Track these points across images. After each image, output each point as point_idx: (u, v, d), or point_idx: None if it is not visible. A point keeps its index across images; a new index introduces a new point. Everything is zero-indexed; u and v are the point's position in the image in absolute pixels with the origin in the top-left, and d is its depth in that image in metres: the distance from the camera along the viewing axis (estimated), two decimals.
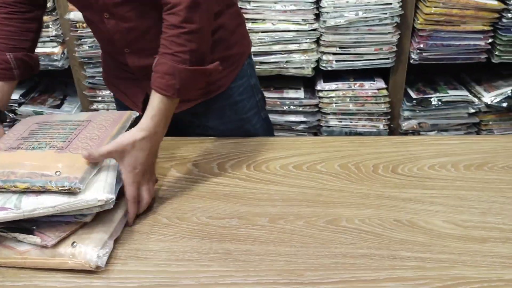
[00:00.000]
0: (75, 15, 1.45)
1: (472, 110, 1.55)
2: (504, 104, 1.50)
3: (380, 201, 0.78)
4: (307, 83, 1.64)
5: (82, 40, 1.52)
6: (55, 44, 1.55)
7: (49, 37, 1.53)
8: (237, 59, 0.98)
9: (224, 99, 0.98)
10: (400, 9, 1.41)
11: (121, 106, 1.08)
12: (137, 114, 0.88)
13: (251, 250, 0.69)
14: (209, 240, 0.72)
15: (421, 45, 1.45)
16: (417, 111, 1.56)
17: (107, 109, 1.64)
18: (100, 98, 1.64)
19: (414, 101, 1.55)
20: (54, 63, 1.56)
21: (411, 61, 1.49)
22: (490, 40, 1.45)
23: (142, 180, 0.76)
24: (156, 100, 0.77)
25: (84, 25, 1.48)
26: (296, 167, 0.89)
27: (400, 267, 0.65)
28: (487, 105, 1.53)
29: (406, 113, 1.57)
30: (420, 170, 0.86)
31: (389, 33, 1.44)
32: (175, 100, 0.79)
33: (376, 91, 1.54)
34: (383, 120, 1.58)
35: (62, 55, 1.56)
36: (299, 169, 0.88)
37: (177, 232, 0.74)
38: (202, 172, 0.89)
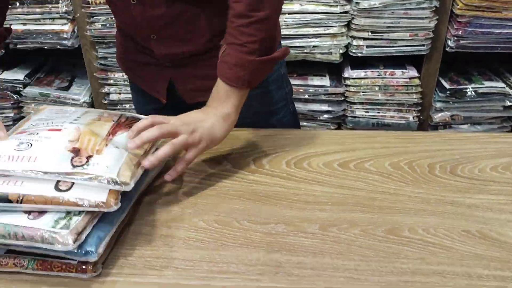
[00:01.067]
0: None
1: (509, 103, 1.46)
2: None
3: (443, 208, 0.70)
4: (331, 70, 1.55)
5: (95, 17, 1.42)
6: (64, 21, 1.45)
7: (58, 13, 1.42)
8: None
9: (253, 88, 0.89)
10: None
11: (138, 92, 0.99)
12: None
13: (304, 263, 0.61)
14: (255, 249, 0.63)
15: (459, 32, 1.36)
16: (450, 102, 1.47)
17: (119, 93, 1.54)
18: (112, 81, 1.54)
19: (448, 92, 1.46)
20: (63, 41, 1.46)
21: (447, 49, 1.40)
22: None
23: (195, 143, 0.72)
24: (223, 89, 0.74)
25: (98, 1, 1.38)
26: (341, 165, 0.80)
27: (478, 287, 0.57)
28: None
29: (438, 105, 1.48)
30: (482, 172, 0.77)
31: (427, 17, 1.34)
32: (244, 90, 0.76)
33: (408, 80, 1.44)
34: (413, 111, 1.49)
35: (72, 34, 1.45)
36: (346, 168, 0.79)
37: (217, 239, 0.65)
38: (238, 169, 0.80)
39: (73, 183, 0.60)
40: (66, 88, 1.59)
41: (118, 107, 1.59)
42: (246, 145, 0.86)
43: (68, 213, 0.59)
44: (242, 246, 0.64)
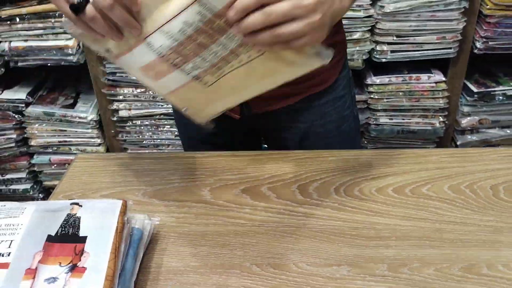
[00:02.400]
0: None
1: None
2: None
3: None
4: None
5: None
6: (68, 36, 1.36)
7: (62, 28, 1.34)
8: (342, 46, 0.84)
9: (328, 94, 0.84)
10: None
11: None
12: None
13: None
14: None
15: (488, 33, 1.29)
16: (478, 106, 1.41)
17: (129, 109, 1.46)
18: (121, 97, 1.46)
19: (476, 96, 1.39)
20: (68, 57, 1.37)
21: (475, 51, 1.34)
22: None
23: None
24: None
25: None
26: (396, 191, 0.73)
27: None
28: None
29: (465, 109, 1.42)
30: None
31: (455, 19, 1.27)
32: None
33: (434, 84, 1.38)
34: (440, 117, 1.43)
35: (77, 49, 1.37)
36: (402, 194, 0.72)
37: (276, 287, 0.58)
38: (282, 199, 0.72)
39: None
40: (72, 105, 1.51)
41: (128, 123, 1.51)
42: (287, 170, 0.78)
43: None
44: None
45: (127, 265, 0.56)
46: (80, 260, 0.51)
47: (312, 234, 0.66)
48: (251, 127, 0.95)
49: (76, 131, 1.52)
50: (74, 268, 0.50)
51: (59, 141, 1.54)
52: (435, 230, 0.65)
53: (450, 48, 1.31)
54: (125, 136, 1.52)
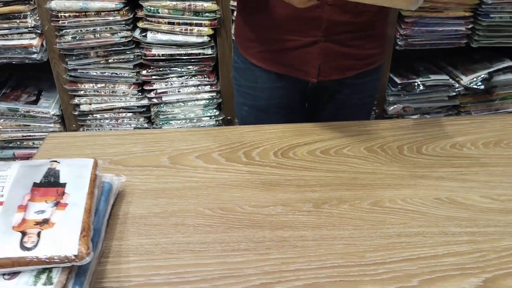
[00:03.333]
0: (57, 4, 1.36)
1: (453, 93, 1.63)
2: (482, 86, 1.59)
3: (415, 181, 0.81)
4: None
5: (64, 30, 1.44)
6: (33, 35, 1.46)
7: (26, 28, 1.43)
8: (386, 38, 1.04)
9: (372, 73, 1.04)
10: None
11: (271, 79, 1.02)
12: None
13: (305, 236, 0.69)
14: (261, 229, 0.71)
15: (407, 32, 1.50)
16: (402, 95, 1.62)
17: (90, 104, 1.56)
18: (82, 92, 1.56)
19: (399, 86, 1.60)
20: (32, 56, 1.47)
21: (397, 47, 1.54)
22: (470, 26, 1.52)
23: None
24: None
25: (67, 14, 1.40)
26: (323, 152, 0.89)
27: (454, 242, 0.68)
28: (465, 88, 1.62)
29: (391, 98, 1.63)
30: (443, 149, 0.89)
31: None
32: None
33: None
34: None
35: (41, 47, 1.46)
36: (327, 154, 0.89)
37: (224, 223, 0.72)
38: (230, 162, 0.87)
39: (38, 239, 0.57)
40: (35, 102, 1.59)
41: (89, 117, 1.61)
42: (234, 141, 0.93)
43: None
44: (248, 227, 0.71)
45: (100, 207, 0.68)
46: (62, 198, 0.63)
47: (254, 185, 0.80)
48: (309, 96, 1.08)
49: (39, 126, 1.61)
50: (58, 204, 0.62)
51: (23, 136, 1.61)
52: (351, 178, 0.82)
53: None
54: (87, 129, 1.62)
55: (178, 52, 1.47)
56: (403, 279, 0.62)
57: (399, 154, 0.88)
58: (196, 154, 0.89)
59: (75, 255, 0.55)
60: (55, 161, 0.71)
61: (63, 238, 0.57)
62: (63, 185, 0.66)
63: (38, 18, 1.43)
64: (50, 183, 0.66)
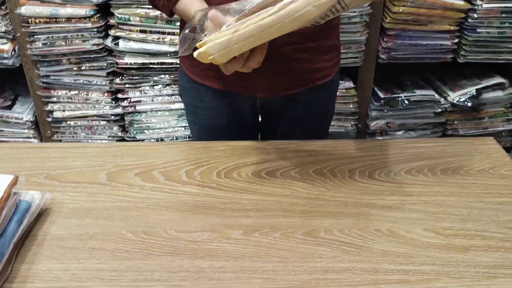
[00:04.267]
0: (27, 9, 1.34)
1: (439, 110, 1.56)
2: (469, 104, 1.51)
3: (359, 210, 0.75)
4: None
5: (35, 36, 1.42)
6: (4, 40, 1.44)
7: None
8: (339, 51, 0.99)
9: (325, 89, 0.99)
10: (369, 7, 1.39)
11: (217, 97, 0.98)
12: None
13: (225, 267, 0.65)
14: (179, 257, 0.66)
15: (390, 44, 1.44)
16: (385, 110, 1.56)
17: (63, 110, 1.54)
18: (55, 99, 1.54)
19: (382, 101, 1.54)
20: (4, 61, 1.45)
21: (379, 61, 1.48)
22: (456, 40, 1.46)
23: None
24: None
25: (37, 20, 1.38)
26: (269, 174, 0.84)
27: (383, 281, 0.62)
28: (452, 104, 1.55)
29: (374, 113, 1.56)
30: (397, 175, 0.84)
31: (358, 31, 1.42)
32: None
33: (344, 90, 1.52)
34: (351, 120, 1.57)
35: (12, 53, 1.45)
36: (272, 176, 0.84)
37: (144, 249, 0.68)
38: (169, 181, 0.83)
39: None
40: (10, 107, 1.58)
41: (63, 124, 1.58)
42: (180, 157, 0.89)
43: None
44: (166, 254, 0.67)
45: (9, 229, 0.65)
46: None
47: (186, 208, 0.76)
48: (258, 113, 1.05)
49: (13, 132, 1.59)
50: None
51: None
52: (291, 204, 0.77)
53: (357, 57, 1.46)
54: (60, 136, 1.60)
55: (151, 61, 1.44)
56: None
57: (349, 178, 0.83)
58: (136, 171, 0.85)
59: None
60: None
61: None
62: None
63: (10, 23, 1.41)
64: None
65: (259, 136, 1.10)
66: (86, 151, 0.91)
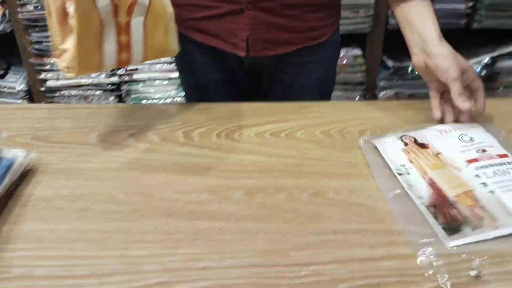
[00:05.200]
0: None
1: None
2: (483, 72, 1.44)
3: (369, 171, 0.69)
4: None
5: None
6: None
7: None
8: (337, 11, 0.93)
9: (317, 52, 0.91)
10: None
11: (202, 52, 0.93)
12: None
13: (225, 228, 0.59)
14: (175, 218, 0.61)
15: None
16: (394, 80, 1.49)
17: (57, 79, 1.48)
18: (48, 67, 1.48)
19: (391, 70, 1.47)
20: None
21: (389, 27, 1.41)
22: (470, 4, 1.38)
23: None
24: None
25: None
26: (273, 135, 0.78)
27: (398, 243, 0.56)
28: None
29: (382, 83, 1.50)
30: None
31: None
32: None
33: (352, 58, 1.45)
34: (359, 90, 1.50)
35: (3, 17, 1.38)
36: (277, 137, 0.78)
37: (136, 210, 0.62)
38: (166, 142, 0.77)
39: None
40: (2, 76, 1.52)
41: (57, 94, 1.52)
42: (176, 119, 0.83)
43: None
44: (162, 216, 0.61)
45: None
46: None
47: (183, 169, 0.70)
48: (248, 73, 0.98)
49: (6, 101, 1.53)
50: None
51: None
52: (297, 165, 0.71)
53: (365, 23, 1.38)
54: None
55: None
56: (326, 284, 0.51)
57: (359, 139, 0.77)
58: (130, 132, 0.79)
59: None
60: None
61: None
62: None
63: None
64: None
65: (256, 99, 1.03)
66: (76, 112, 0.85)
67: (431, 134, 0.72)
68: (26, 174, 0.68)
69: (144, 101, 1.53)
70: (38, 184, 0.67)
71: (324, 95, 1.00)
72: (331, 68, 0.98)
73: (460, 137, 0.71)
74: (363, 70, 1.46)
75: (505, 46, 1.49)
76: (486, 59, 1.45)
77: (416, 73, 1.44)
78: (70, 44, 0.66)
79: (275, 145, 0.76)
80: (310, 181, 0.67)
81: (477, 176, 0.62)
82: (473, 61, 1.47)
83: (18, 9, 1.36)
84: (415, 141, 0.71)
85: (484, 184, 0.61)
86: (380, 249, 0.56)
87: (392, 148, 0.70)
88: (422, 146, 0.70)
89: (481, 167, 0.64)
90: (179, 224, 0.60)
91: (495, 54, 1.46)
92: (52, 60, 1.46)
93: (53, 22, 0.66)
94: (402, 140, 0.71)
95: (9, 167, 0.64)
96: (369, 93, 1.52)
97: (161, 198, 0.64)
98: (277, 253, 0.55)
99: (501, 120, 0.81)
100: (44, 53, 1.45)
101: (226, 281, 0.52)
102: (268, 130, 0.79)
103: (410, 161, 0.67)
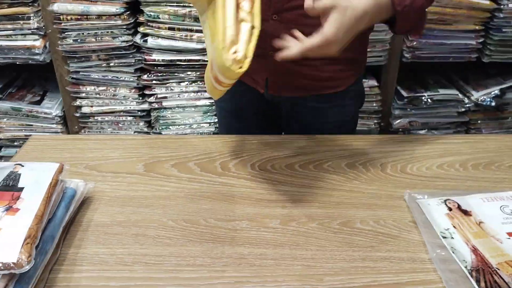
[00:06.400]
0: (59, 6, 1.38)
1: (462, 109, 1.56)
2: (493, 103, 1.52)
3: (393, 202, 0.77)
4: None
5: (66, 33, 1.45)
6: (36, 37, 1.48)
7: (30, 29, 1.46)
8: (359, 64, 0.98)
9: (336, 99, 0.97)
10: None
11: (237, 86, 0.98)
12: None
13: (265, 254, 0.66)
14: (221, 244, 0.68)
15: (414, 43, 1.45)
16: (408, 109, 1.57)
17: (91, 106, 1.58)
18: (84, 94, 1.57)
19: (406, 100, 1.55)
20: (35, 57, 1.49)
21: (404, 60, 1.49)
22: (481, 40, 1.46)
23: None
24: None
25: (69, 17, 1.42)
26: (302, 167, 0.86)
27: (421, 270, 0.64)
28: (476, 104, 1.55)
29: (397, 112, 1.57)
30: (429, 169, 0.85)
31: (383, 30, 1.43)
32: (389, 11, 0.75)
33: (368, 89, 1.53)
34: (374, 119, 1.58)
35: (44, 49, 1.48)
36: (306, 169, 0.85)
37: (185, 236, 0.70)
38: (206, 172, 0.85)
39: None
40: (38, 102, 1.62)
41: (90, 119, 1.62)
42: (213, 150, 0.91)
43: None
44: (208, 241, 0.69)
45: (58, 213, 0.67)
46: (16, 203, 0.63)
47: (223, 197, 0.78)
48: (268, 110, 1.05)
49: (42, 126, 1.63)
50: (9, 209, 0.62)
51: (26, 135, 1.64)
52: (326, 195, 0.78)
53: (381, 56, 1.47)
54: (88, 131, 1.64)
55: (178, 58, 1.47)
56: None
57: (381, 172, 0.84)
58: (172, 162, 0.88)
59: (14, 263, 0.54)
60: (19, 165, 0.71)
61: (6, 244, 0.56)
62: (20, 189, 0.66)
63: (41, 19, 1.45)
64: (7, 187, 0.66)
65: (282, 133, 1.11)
66: (123, 143, 0.94)
67: (474, 202, 0.74)
68: (84, 202, 0.77)
69: (171, 127, 1.62)
70: (95, 211, 0.75)
71: None
72: (350, 115, 1.03)
73: (502, 208, 0.73)
74: (379, 100, 1.54)
75: None
76: (495, 90, 1.53)
77: (429, 102, 1.53)
78: (244, 35, 0.66)
79: (305, 177, 0.83)
80: (339, 211, 0.74)
81: None
82: (483, 92, 1.55)
83: (59, 42, 1.47)
84: (459, 207, 0.73)
85: None
86: (405, 275, 0.63)
87: (436, 211, 0.73)
88: (466, 213, 0.72)
89: None
90: (224, 250, 0.67)
91: (504, 85, 1.54)
92: (87, 88, 1.56)
93: (227, 13, 0.65)
94: (446, 205, 0.74)
95: (73, 196, 0.72)
96: (384, 121, 1.59)
97: (205, 225, 0.72)
98: (313, 277, 0.62)
99: (511, 155, 0.88)
100: (80, 82, 1.55)
101: None
102: (298, 161, 0.87)
103: (454, 227, 0.69)
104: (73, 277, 0.63)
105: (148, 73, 1.53)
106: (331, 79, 0.96)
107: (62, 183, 0.71)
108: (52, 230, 0.65)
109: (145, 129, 1.63)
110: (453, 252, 0.65)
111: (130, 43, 1.46)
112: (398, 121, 1.57)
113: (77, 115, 1.59)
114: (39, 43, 1.47)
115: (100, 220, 0.73)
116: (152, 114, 1.60)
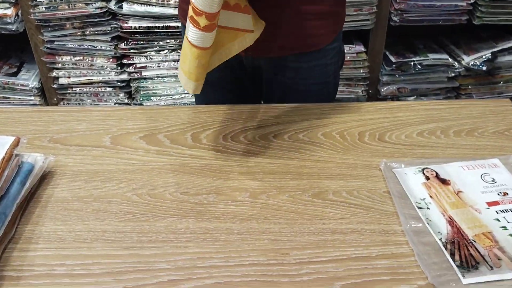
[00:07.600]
0: None
1: (452, 74, 1.51)
2: (484, 67, 1.47)
3: (368, 172, 0.73)
4: None
5: (38, 0, 1.39)
6: (7, 5, 1.42)
7: None
8: (339, 19, 0.94)
9: (316, 59, 0.94)
10: None
11: None
12: None
13: (231, 229, 0.63)
14: (185, 219, 0.65)
15: (402, 6, 1.39)
16: (397, 75, 1.52)
17: (69, 77, 1.52)
18: (60, 65, 1.52)
19: (394, 65, 1.50)
20: (8, 26, 1.43)
21: (392, 23, 1.43)
22: (471, 1, 1.40)
23: None
24: None
25: None
26: (276, 137, 0.82)
27: (393, 242, 0.61)
28: (466, 69, 1.50)
29: (385, 78, 1.52)
30: (408, 137, 0.81)
31: None
32: None
33: (355, 55, 1.47)
34: (362, 86, 1.53)
35: (16, 17, 1.42)
36: (280, 139, 0.82)
37: (149, 211, 0.67)
38: (175, 144, 0.81)
39: None
40: (15, 74, 1.56)
41: (69, 91, 1.57)
42: (185, 121, 0.87)
43: None
44: (172, 216, 0.66)
45: (12, 190, 0.64)
46: None
47: (192, 170, 0.75)
48: (250, 74, 1.01)
49: (19, 99, 1.58)
50: None
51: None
52: (299, 166, 0.75)
53: (368, 20, 1.41)
54: (67, 103, 1.59)
55: (155, 25, 1.41)
56: (324, 282, 0.56)
57: (358, 141, 0.81)
58: (141, 134, 0.84)
59: None
60: None
61: None
62: None
63: None
64: None
65: (262, 102, 1.07)
66: (90, 114, 0.90)
67: (453, 170, 0.71)
68: (44, 177, 0.73)
69: (152, 98, 1.57)
70: (56, 186, 0.72)
71: (324, 100, 1.03)
72: (331, 75, 0.99)
73: (482, 177, 0.70)
74: (366, 66, 1.48)
75: (505, 41, 1.51)
76: (487, 54, 1.47)
77: (418, 68, 1.48)
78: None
79: (278, 147, 0.79)
80: (311, 183, 0.71)
81: (497, 220, 0.62)
82: (474, 56, 1.49)
83: (31, 10, 1.40)
84: (437, 175, 0.71)
85: (504, 227, 0.61)
86: (375, 248, 0.60)
87: (412, 181, 0.70)
88: (444, 182, 0.69)
89: (502, 211, 0.63)
90: (189, 225, 0.64)
91: (495, 49, 1.48)
92: (64, 58, 1.51)
93: None
94: (423, 174, 0.71)
95: (30, 171, 0.68)
96: (372, 88, 1.55)
97: (171, 199, 0.69)
98: (279, 252, 0.60)
99: (495, 121, 0.84)
100: (56, 51, 1.49)
101: (231, 279, 0.57)
102: (272, 132, 0.83)
103: (431, 196, 0.66)
104: (28, 255, 0.60)
105: (125, 42, 1.47)
106: (311, 36, 0.91)
107: (18, 157, 0.68)
108: (4, 207, 0.61)
109: (126, 100, 1.58)
110: (428, 224, 0.62)
111: (105, 10, 1.40)
112: (387, 87, 1.52)
113: (55, 86, 1.54)
114: (10, 11, 1.41)
115: (60, 195, 0.70)
116: (132, 84, 1.55)
